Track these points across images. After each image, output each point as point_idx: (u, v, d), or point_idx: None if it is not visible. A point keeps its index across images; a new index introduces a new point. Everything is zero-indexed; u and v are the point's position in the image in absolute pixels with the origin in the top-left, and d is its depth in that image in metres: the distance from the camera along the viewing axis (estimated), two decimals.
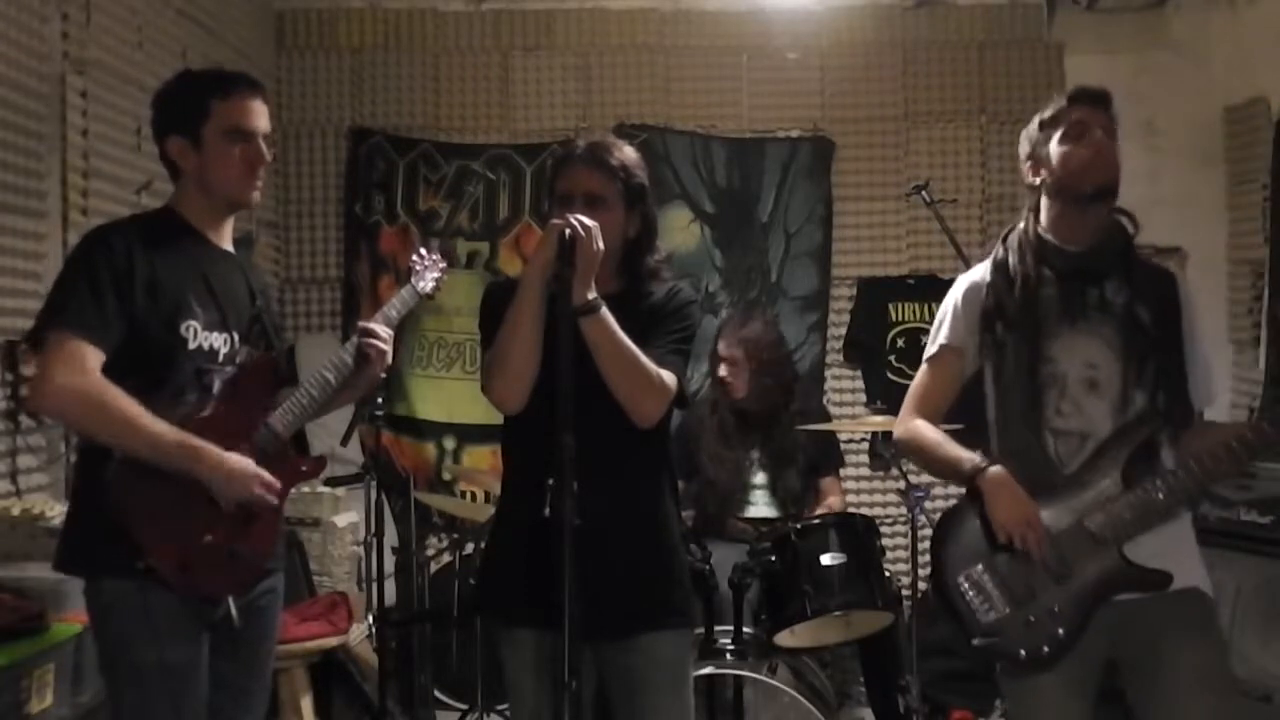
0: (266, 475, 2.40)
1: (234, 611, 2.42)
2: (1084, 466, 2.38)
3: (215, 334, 2.44)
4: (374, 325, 2.61)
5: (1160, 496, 2.31)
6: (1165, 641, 2.33)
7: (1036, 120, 2.50)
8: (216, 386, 2.43)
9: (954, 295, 2.57)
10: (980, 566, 2.41)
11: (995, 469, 2.41)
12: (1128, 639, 2.37)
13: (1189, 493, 2.34)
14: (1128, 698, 2.43)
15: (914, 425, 2.57)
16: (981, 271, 2.55)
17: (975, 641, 2.39)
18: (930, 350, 2.59)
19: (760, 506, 4.29)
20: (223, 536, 2.39)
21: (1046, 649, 2.34)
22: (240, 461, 2.37)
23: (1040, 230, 2.48)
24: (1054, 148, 2.44)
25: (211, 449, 2.33)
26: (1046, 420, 2.41)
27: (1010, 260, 2.49)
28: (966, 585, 2.41)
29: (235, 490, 2.36)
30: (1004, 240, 2.54)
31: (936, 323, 2.60)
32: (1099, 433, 2.38)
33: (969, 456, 2.45)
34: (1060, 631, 2.34)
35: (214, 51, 4.61)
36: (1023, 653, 2.36)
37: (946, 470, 2.53)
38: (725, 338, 4.38)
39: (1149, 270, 2.51)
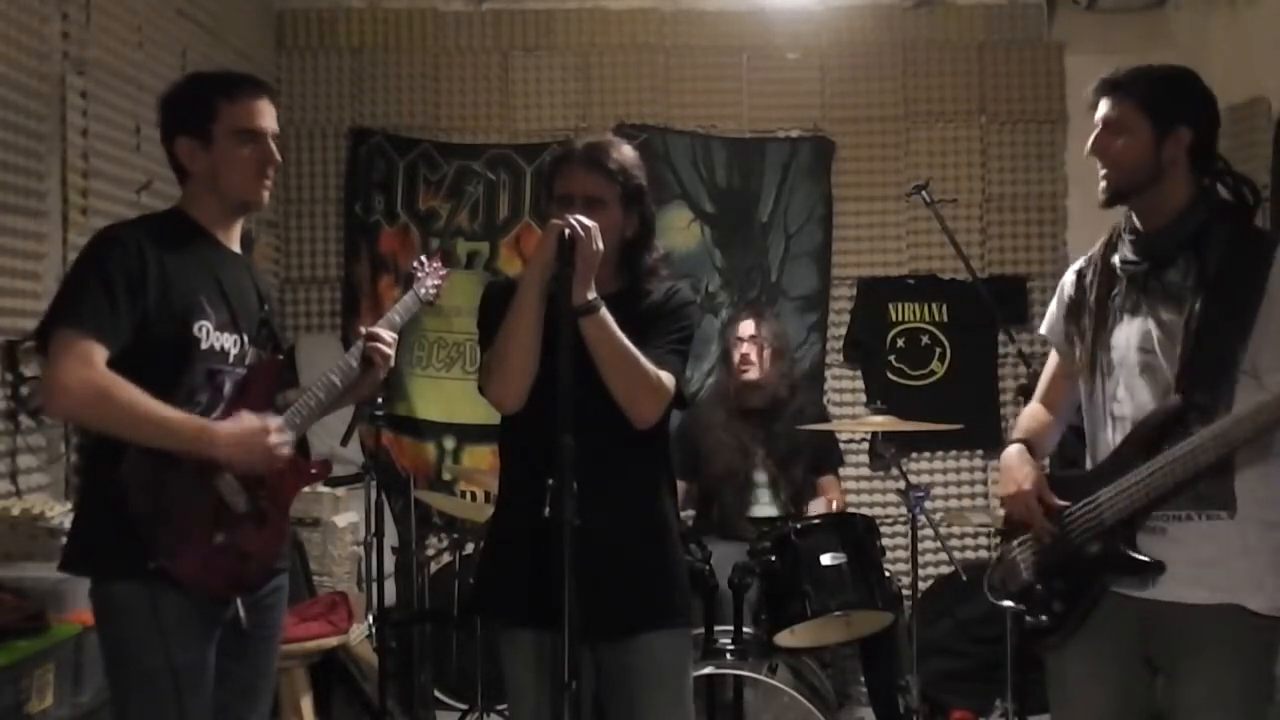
0: (269, 423, 2.37)
1: (242, 613, 2.42)
2: (1117, 448, 2.35)
3: (226, 335, 2.44)
4: (378, 330, 2.68)
5: (1158, 471, 2.23)
6: (1188, 655, 2.28)
7: None
8: (227, 388, 2.43)
9: (1059, 285, 2.60)
10: (1018, 540, 2.54)
11: (1008, 449, 2.55)
12: (1157, 640, 2.33)
13: (1186, 467, 2.20)
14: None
15: (1025, 410, 2.69)
16: (1082, 261, 2.54)
17: (990, 596, 2.57)
18: None
19: (763, 505, 4.30)
20: (234, 537, 2.39)
21: (1044, 618, 2.43)
22: (242, 426, 2.33)
23: (1129, 216, 2.42)
24: None
25: (219, 425, 2.32)
26: (1107, 407, 2.41)
27: (1095, 250, 2.49)
28: (1010, 555, 2.55)
29: (253, 457, 2.34)
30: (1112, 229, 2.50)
31: None
32: None
33: (1014, 439, 2.57)
34: (1057, 606, 2.41)
35: (214, 51, 4.61)
36: (1027, 620, 2.48)
37: None
38: (745, 320, 4.43)
39: (1234, 244, 2.28)
